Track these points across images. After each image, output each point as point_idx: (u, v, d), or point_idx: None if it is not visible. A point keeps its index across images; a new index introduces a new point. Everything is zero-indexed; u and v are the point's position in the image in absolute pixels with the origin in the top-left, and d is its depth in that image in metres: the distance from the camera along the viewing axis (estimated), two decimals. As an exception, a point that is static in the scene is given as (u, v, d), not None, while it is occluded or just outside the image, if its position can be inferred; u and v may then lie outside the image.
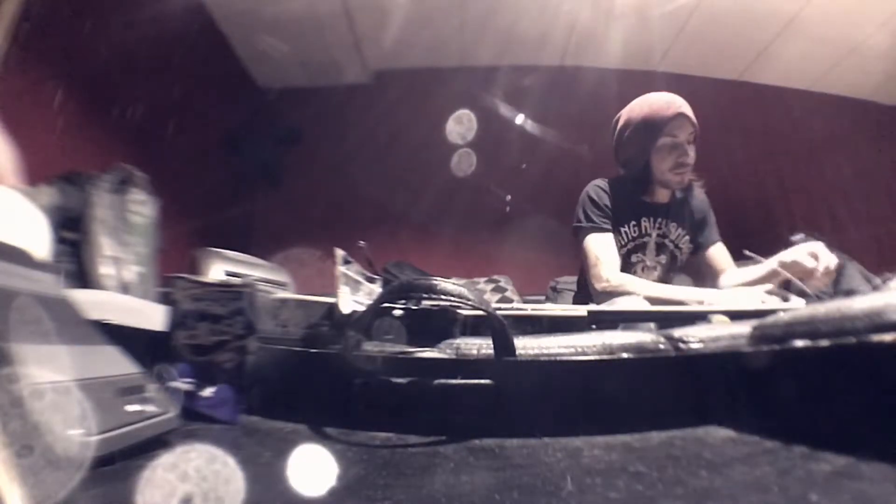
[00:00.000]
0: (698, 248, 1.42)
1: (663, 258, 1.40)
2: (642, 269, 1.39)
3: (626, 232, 1.37)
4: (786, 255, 1.17)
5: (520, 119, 2.79)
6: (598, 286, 1.28)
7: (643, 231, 1.38)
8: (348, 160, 2.80)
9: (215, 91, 2.57)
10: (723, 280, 1.37)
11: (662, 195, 1.38)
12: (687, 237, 1.41)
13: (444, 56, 2.88)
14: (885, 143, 2.72)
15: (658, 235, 1.38)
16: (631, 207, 1.37)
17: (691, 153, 1.31)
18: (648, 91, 1.39)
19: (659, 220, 1.38)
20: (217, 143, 2.68)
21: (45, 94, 1.56)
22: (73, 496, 0.31)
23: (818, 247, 1.15)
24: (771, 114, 2.89)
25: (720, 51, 2.74)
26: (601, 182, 1.41)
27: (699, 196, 1.43)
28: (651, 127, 1.31)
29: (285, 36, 2.63)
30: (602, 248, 1.32)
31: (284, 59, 2.75)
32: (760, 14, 2.48)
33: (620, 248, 1.37)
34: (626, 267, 1.39)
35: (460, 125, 2.63)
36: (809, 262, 1.13)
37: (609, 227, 1.35)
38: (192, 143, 2.22)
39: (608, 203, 1.36)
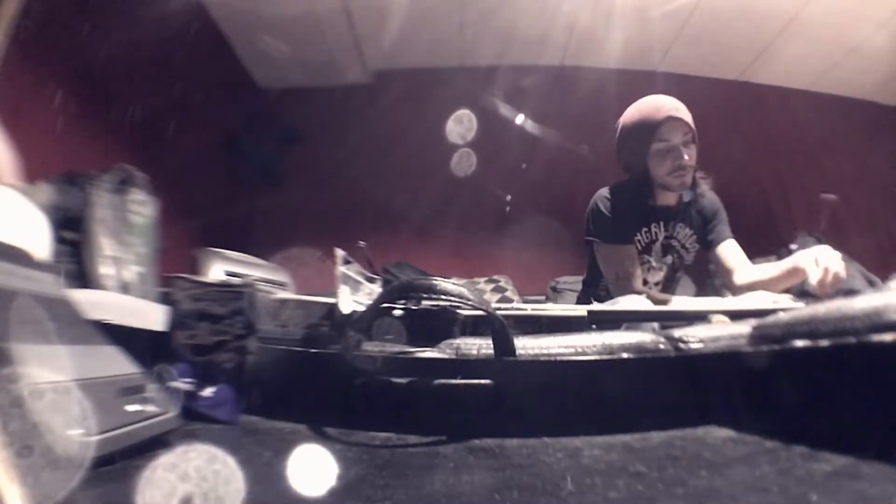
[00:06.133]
0: (709, 245, 1.40)
1: (669, 259, 1.40)
2: (648, 270, 1.39)
3: (639, 240, 1.37)
4: (801, 258, 1.14)
5: (520, 119, 2.79)
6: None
7: (653, 236, 1.38)
8: (348, 160, 2.80)
9: (215, 91, 2.57)
10: (737, 278, 1.33)
11: (669, 197, 1.37)
12: (694, 237, 1.40)
13: (444, 56, 2.88)
14: (885, 143, 2.72)
15: (665, 237, 1.38)
16: (639, 214, 1.36)
17: (688, 155, 1.29)
18: (648, 91, 1.39)
19: (669, 222, 1.37)
20: (217, 143, 2.68)
21: (45, 94, 1.56)
22: (73, 496, 0.31)
23: (825, 252, 1.11)
24: (771, 114, 2.89)
25: (720, 51, 2.74)
26: (612, 192, 1.39)
27: (708, 195, 1.41)
28: (643, 133, 1.31)
29: (285, 36, 2.63)
30: (625, 264, 1.32)
31: (284, 59, 2.75)
32: (760, 14, 2.48)
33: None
34: None
35: (460, 125, 2.63)
36: (813, 274, 1.09)
37: (623, 238, 1.34)
38: (192, 143, 2.22)
39: (618, 214, 1.35)
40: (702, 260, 1.47)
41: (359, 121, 2.85)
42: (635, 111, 1.35)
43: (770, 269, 1.26)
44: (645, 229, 1.37)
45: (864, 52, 2.56)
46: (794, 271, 1.15)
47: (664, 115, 1.28)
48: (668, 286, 1.42)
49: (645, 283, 1.38)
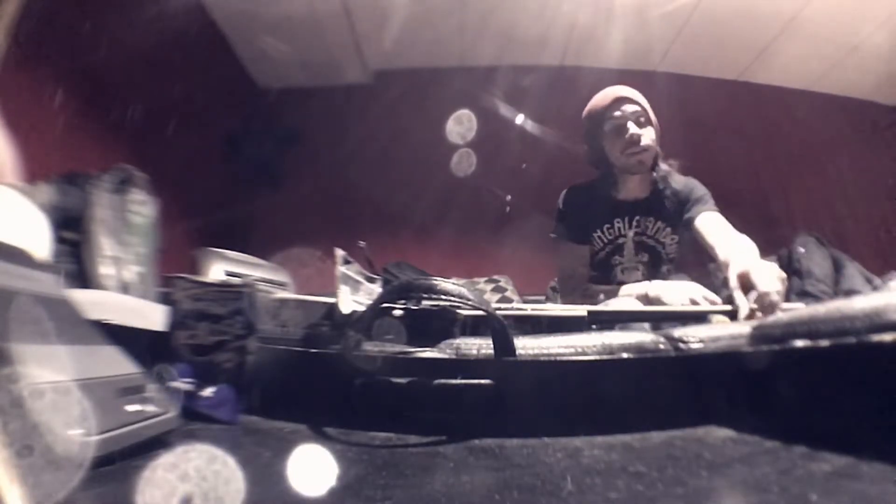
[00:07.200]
0: (687, 226, 1.32)
1: (644, 256, 1.36)
2: (622, 271, 1.36)
3: (599, 237, 1.36)
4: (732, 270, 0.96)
5: (520, 119, 2.78)
6: (561, 300, 1.35)
7: (618, 232, 1.35)
8: (348, 160, 2.80)
9: (215, 91, 2.57)
10: (720, 254, 1.18)
11: (636, 190, 1.35)
12: (668, 229, 1.35)
13: (444, 56, 2.87)
14: (885, 143, 2.72)
15: (636, 234, 1.35)
16: (602, 210, 1.35)
17: (640, 132, 1.28)
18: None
19: (636, 217, 1.34)
20: (217, 143, 2.68)
21: (45, 94, 1.56)
22: (73, 496, 0.31)
23: (762, 275, 0.91)
24: (771, 114, 2.89)
25: (720, 51, 2.74)
26: (571, 189, 1.41)
27: (678, 178, 1.37)
28: (595, 117, 1.33)
29: (285, 36, 2.63)
30: (572, 263, 1.36)
31: (284, 59, 2.75)
32: (760, 14, 2.48)
33: (597, 252, 1.36)
34: (607, 270, 1.37)
35: (460, 125, 2.62)
36: (743, 307, 0.91)
37: (574, 237, 1.36)
38: (192, 143, 2.22)
39: (575, 212, 1.37)
40: (704, 259, 1.45)
41: (359, 121, 2.85)
42: (589, 103, 1.38)
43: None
44: (607, 226, 1.35)
45: (864, 52, 2.56)
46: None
47: (612, 96, 1.32)
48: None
49: (621, 283, 1.33)
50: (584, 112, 1.38)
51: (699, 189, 1.36)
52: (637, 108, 1.30)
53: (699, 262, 1.49)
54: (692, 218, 1.31)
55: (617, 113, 1.30)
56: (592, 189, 1.39)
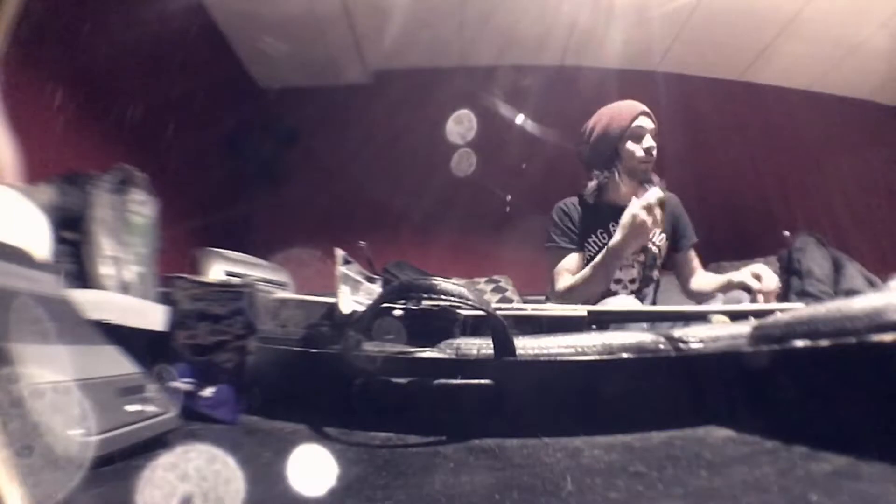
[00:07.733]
0: (678, 249, 1.48)
1: (640, 256, 1.43)
2: (620, 268, 1.41)
3: (594, 242, 1.43)
4: (737, 275, 1.26)
5: (520, 119, 2.78)
6: (553, 301, 1.41)
7: (612, 234, 1.40)
8: (348, 160, 2.79)
9: (215, 91, 2.57)
10: (693, 283, 1.47)
11: (629, 195, 1.41)
12: (663, 235, 1.44)
13: (444, 56, 2.87)
14: (885, 143, 2.72)
15: None
16: (599, 217, 1.44)
17: (654, 144, 1.40)
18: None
19: None
20: (217, 143, 2.68)
21: (45, 94, 1.56)
22: (73, 496, 0.31)
23: (762, 269, 1.23)
24: (771, 114, 2.89)
25: (720, 51, 2.74)
26: (563, 203, 1.50)
27: (669, 198, 1.46)
28: (620, 123, 1.42)
29: (285, 36, 2.63)
30: (556, 266, 1.44)
31: (284, 59, 2.75)
32: (760, 14, 2.48)
33: (592, 257, 1.41)
34: None
35: (460, 125, 2.62)
36: (754, 284, 1.21)
37: (567, 245, 1.45)
38: (192, 143, 2.22)
39: (569, 223, 1.46)
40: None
41: (359, 121, 2.85)
42: (612, 107, 1.47)
43: (715, 280, 1.39)
44: (602, 230, 1.42)
45: (864, 52, 2.56)
46: (731, 285, 1.27)
47: (641, 109, 1.43)
48: (645, 284, 1.44)
49: (618, 281, 1.41)
50: (605, 118, 1.45)
51: (686, 217, 1.51)
52: (653, 124, 1.42)
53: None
54: (685, 245, 1.50)
55: (641, 124, 1.41)
56: (588, 198, 1.47)
